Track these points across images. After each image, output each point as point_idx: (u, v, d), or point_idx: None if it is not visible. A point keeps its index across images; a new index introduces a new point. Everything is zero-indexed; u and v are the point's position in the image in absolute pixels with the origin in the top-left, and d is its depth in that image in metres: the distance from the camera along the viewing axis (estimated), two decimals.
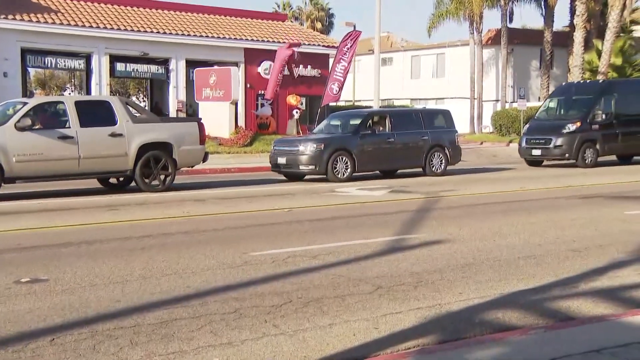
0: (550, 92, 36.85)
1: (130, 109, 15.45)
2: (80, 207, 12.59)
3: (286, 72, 32.15)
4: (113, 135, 14.65)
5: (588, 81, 27.09)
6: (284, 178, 18.87)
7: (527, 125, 24.24)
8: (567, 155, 22.24)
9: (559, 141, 22.22)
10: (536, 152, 22.66)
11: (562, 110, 23.86)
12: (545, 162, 23.58)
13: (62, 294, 6.16)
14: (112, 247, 8.46)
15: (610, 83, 25.57)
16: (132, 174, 15.00)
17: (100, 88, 29.82)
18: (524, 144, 23.11)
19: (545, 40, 42.91)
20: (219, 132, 28.87)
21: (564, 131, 22.28)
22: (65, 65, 30.34)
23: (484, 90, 44.78)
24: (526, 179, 18.12)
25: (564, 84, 28.46)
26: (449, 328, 5.19)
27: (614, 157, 24.04)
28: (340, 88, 32.24)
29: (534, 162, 23.30)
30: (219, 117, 29.04)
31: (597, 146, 22.49)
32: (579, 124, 22.36)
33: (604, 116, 22.69)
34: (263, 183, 17.76)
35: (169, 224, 10.37)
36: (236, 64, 32.52)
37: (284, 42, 32.57)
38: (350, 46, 32.10)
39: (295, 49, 31.36)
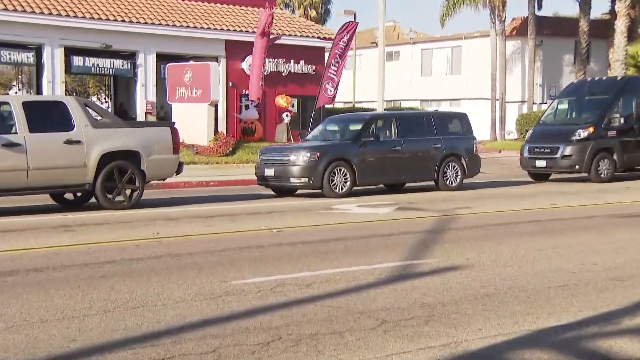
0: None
1: (90, 111, 15.46)
2: (29, 227, 12.56)
3: (272, 68, 32.27)
4: (69, 142, 14.66)
5: (604, 78, 26.30)
6: (272, 193, 18.88)
7: (531, 131, 23.71)
8: (577, 167, 21.85)
9: (568, 150, 21.82)
10: (540, 163, 22.29)
11: (572, 113, 23.61)
12: (553, 176, 23.24)
13: (6, 332, 6.15)
14: (67, 275, 8.45)
15: (631, 80, 24.79)
16: (92, 188, 15.00)
17: (54, 86, 29.83)
18: (526, 154, 22.65)
19: (581, 30, 43.14)
20: (195, 139, 28.90)
21: (574, 138, 21.93)
22: (10, 59, 30.31)
23: (508, 90, 45.00)
24: (557, 195, 18.18)
25: (575, 81, 28.24)
26: None
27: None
28: (335, 88, 32.40)
29: (539, 176, 22.92)
30: (195, 121, 29.07)
31: (614, 156, 22.04)
32: (591, 129, 21.98)
33: (622, 120, 22.29)
34: (247, 199, 17.76)
35: (135, 247, 10.36)
36: (216, 59, 32.60)
37: (272, 34, 32.68)
38: (347, 39, 32.32)
39: (272, 38, 31.32)
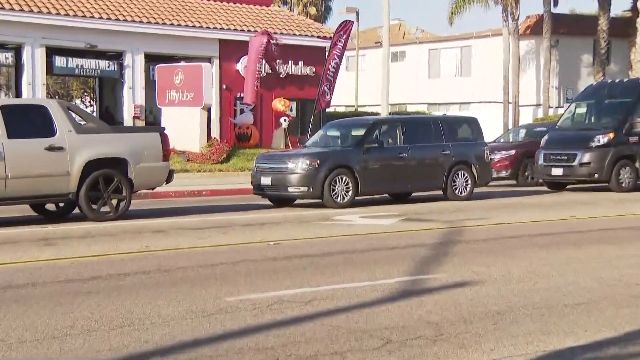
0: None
1: (74, 115, 15.47)
2: (8, 241, 12.55)
3: (268, 70, 32.28)
4: (51, 148, 14.67)
5: (625, 80, 26.23)
6: (269, 203, 18.88)
7: (546, 137, 23.65)
8: (596, 175, 21.84)
9: (586, 157, 21.79)
10: (557, 171, 22.28)
11: (591, 118, 23.60)
12: (570, 185, 23.19)
13: None
14: (49, 291, 8.44)
15: None
16: (75, 198, 15.00)
17: (34, 89, 29.87)
18: (541, 161, 22.67)
19: (600, 29, 43.24)
20: (187, 145, 28.93)
21: (593, 144, 21.92)
22: None
23: (521, 93, 45.02)
24: (575, 205, 18.18)
25: (594, 83, 28.23)
26: None
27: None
28: (332, 90, 32.50)
29: (555, 185, 22.95)
30: (187, 126, 29.11)
31: (637, 164, 22.02)
32: (612, 135, 21.97)
33: None
34: (242, 209, 17.76)
35: (122, 261, 10.35)
36: (209, 60, 32.66)
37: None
38: (344, 39, 32.48)
39: (273, 40, 31.44)
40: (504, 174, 25.09)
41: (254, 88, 31.56)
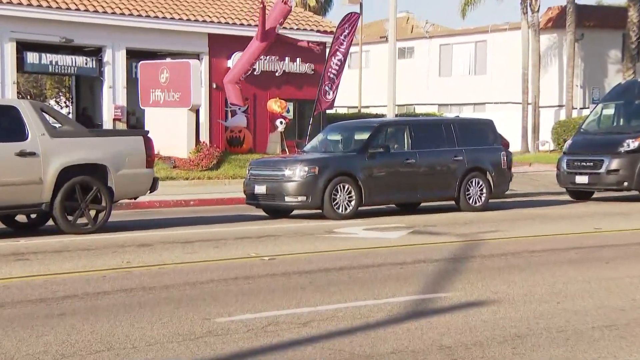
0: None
1: (47, 117, 15.46)
2: None
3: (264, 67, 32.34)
4: (22, 154, 14.66)
5: None
6: (263, 214, 18.87)
7: (570, 141, 23.77)
8: (625, 183, 21.82)
9: (614, 164, 21.76)
10: (581, 179, 22.25)
11: (620, 120, 23.63)
12: (596, 194, 23.14)
13: None
14: (20, 312, 8.42)
15: None
16: (49, 208, 14.97)
17: (4, 88, 29.88)
18: (564, 168, 22.69)
19: (630, 22, 43.29)
20: (173, 151, 28.92)
21: (622, 149, 21.90)
22: None
23: (542, 93, 45.11)
24: (602, 216, 18.18)
25: (622, 82, 28.32)
26: None
27: None
28: (334, 90, 32.48)
29: (580, 194, 22.94)
30: (173, 130, 29.10)
31: None
32: None
33: None
34: (234, 221, 17.75)
35: (101, 279, 10.33)
36: (197, 56, 32.70)
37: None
38: (348, 33, 32.45)
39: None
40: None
41: (237, 88, 31.52)
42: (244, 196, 19.08)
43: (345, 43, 32.44)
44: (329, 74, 32.28)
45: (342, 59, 32.62)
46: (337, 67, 32.50)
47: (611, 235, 14.97)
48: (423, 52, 54.48)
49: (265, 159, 21.13)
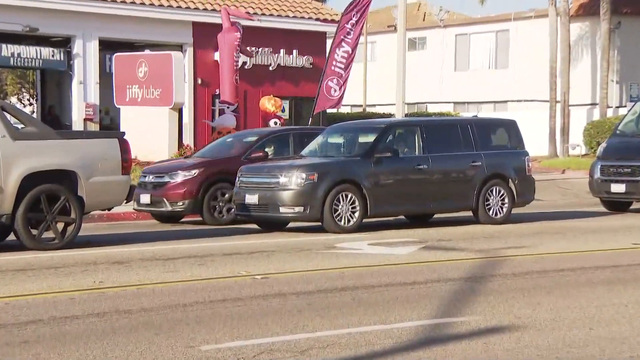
0: None
1: (9, 117, 15.47)
2: None
3: (245, 59, 32.21)
4: None
5: None
6: (255, 227, 18.87)
7: (604, 145, 23.78)
8: None
9: None
10: (618, 187, 22.19)
11: None
12: (635, 204, 23.01)
13: None
14: None
15: None
16: (10, 221, 14.96)
17: None
18: (598, 174, 22.62)
19: None
20: (153, 155, 28.86)
21: None
22: None
23: (572, 89, 45.03)
24: None
25: None
26: None
27: None
28: (342, 86, 32.35)
29: (615, 204, 22.90)
30: (153, 131, 29.12)
31: None
32: None
33: None
34: (222, 234, 17.75)
35: (70, 301, 10.32)
36: (180, 47, 32.72)
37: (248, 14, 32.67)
38: (357, 21, 32.29)
39: (240, 24, 31.29)
40: (179, 206, 20.16)
41: (233, 83, 31.49)
42: (234, 206, 19.09)
43: (353, 32, 32.24)
44: (332, 67, 32.09)
45: (350, 50, 32.32)
46: (343, 60, 32.28)
47: None
48: (436, 44, 54.47)
49: (257, 165, 21.07)
